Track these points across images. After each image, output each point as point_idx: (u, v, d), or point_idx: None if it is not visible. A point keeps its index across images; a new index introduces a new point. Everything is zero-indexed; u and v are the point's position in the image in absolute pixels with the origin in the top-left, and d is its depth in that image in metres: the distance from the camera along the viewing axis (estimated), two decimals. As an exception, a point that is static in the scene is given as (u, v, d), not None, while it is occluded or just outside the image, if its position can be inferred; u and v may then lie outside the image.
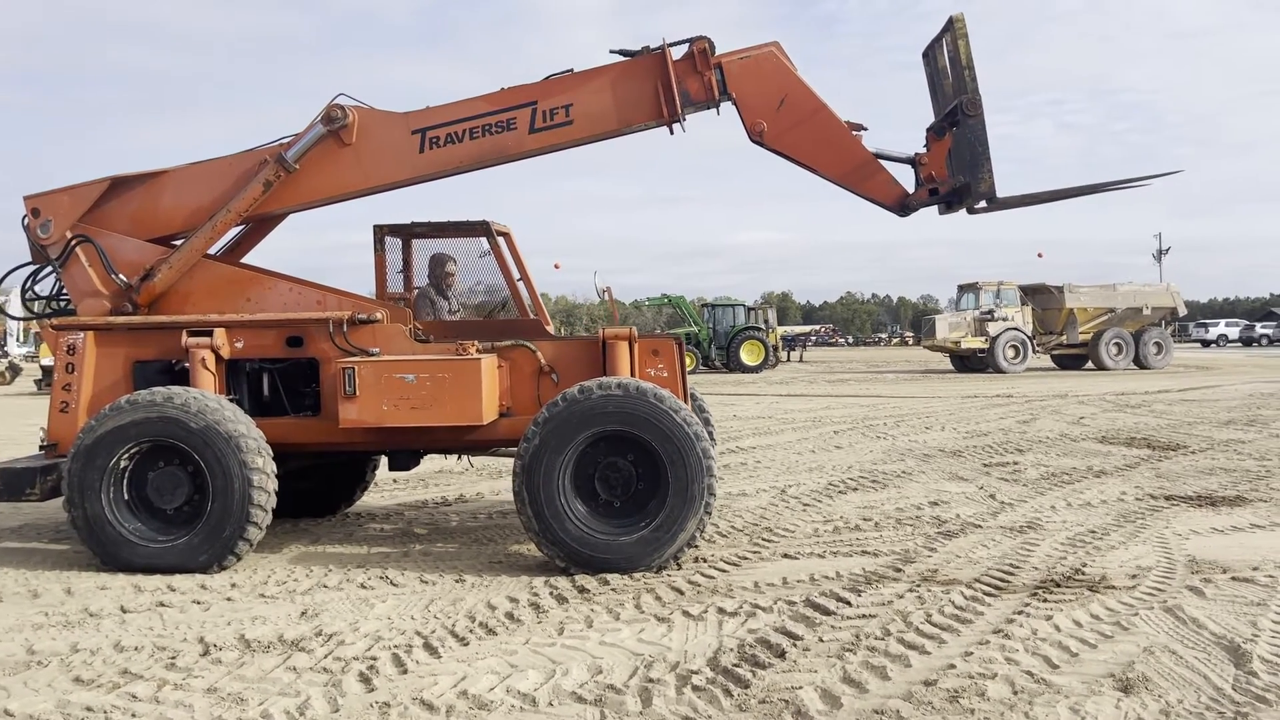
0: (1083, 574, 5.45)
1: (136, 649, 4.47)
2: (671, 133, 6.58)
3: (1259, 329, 62.32)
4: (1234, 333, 62.49)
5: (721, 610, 4.91)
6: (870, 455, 10.77)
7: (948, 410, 16.54)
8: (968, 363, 30.53)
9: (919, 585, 5.29)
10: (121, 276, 6.40)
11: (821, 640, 4.41)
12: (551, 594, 5.30)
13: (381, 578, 5.73)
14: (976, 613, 4.77)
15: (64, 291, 6.71)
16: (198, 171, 6.61)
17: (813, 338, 59.00)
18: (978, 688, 3.80)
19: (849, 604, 4.96)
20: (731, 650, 4.30)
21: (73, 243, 6.42)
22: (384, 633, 4.67)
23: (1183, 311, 32.71)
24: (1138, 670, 3.95)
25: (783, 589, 5.30)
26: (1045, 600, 4.95)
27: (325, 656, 4.34)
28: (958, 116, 6.50)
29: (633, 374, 6.24)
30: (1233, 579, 5.29)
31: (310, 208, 6.66)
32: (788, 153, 6.55)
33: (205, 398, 5.93)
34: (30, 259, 6.76)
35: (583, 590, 5.36)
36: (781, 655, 4.22)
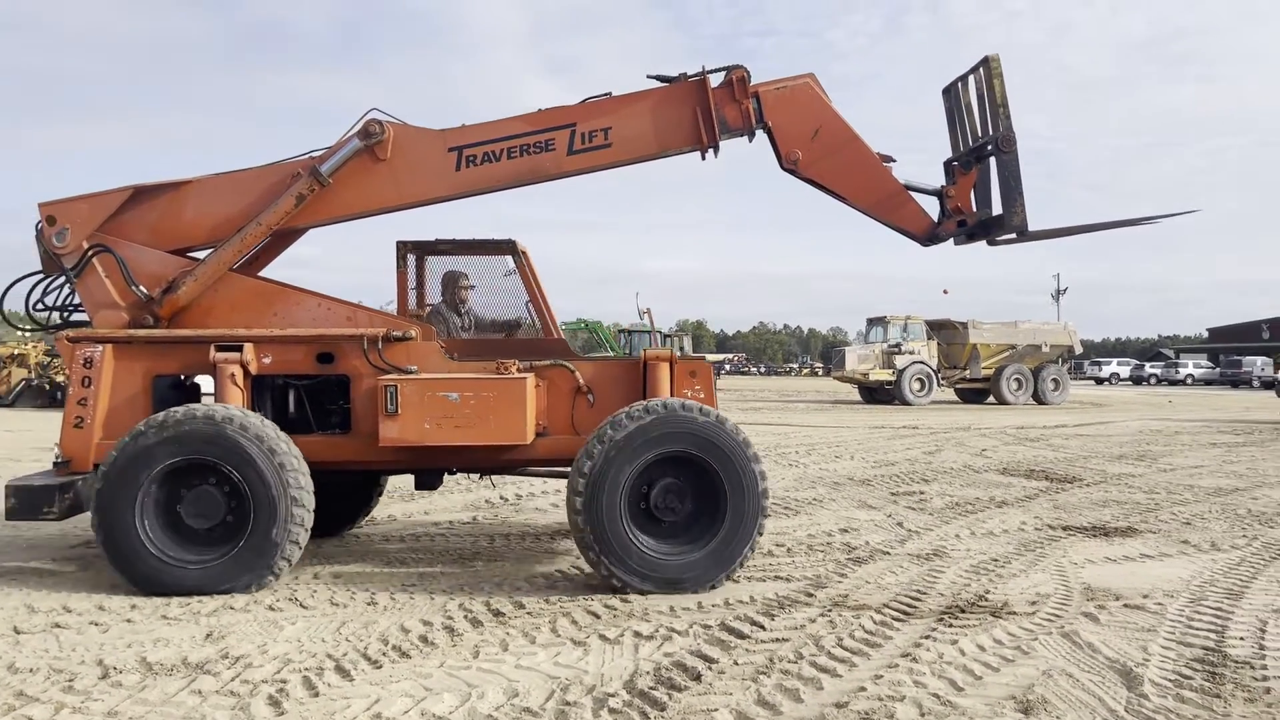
0: (986, 600, 5.63)
1: (31, 671, 4.29)
2: (703, 158, 6.66)
3: (1148, 368, 65.24)
4: (1125, 371, 65.30)
5: (638, 634, 4.93)
6: (782, 482, 10.93)
7: (856, 440, 16.90)
8: (875, 394, 31.25)
9: (831, 610, 5.40)
10: (141, 288, 6.18)
11: (736, 663, 4.46)
12: (466, 617, 5.25)
13: (290, 599, 5.60)
14: (886, 637, 4.89)
15: (73, 302, 6.45)
16: (222, 183, 6.43)
17: (726, 366, 59.64)
18: (887, 710, 3.90)
19: (763, 628, 5.03)
20: (648, 673, 4.32)
21: (90, 252, 6.19)
22: (294, 655, 4.56)
23: (1079, 350, 34.07)
24: (1037, 693, 4.10)
25: (698, 613, 5.35)
26: (951, 625, 5.10)
27: (232, 679, 4.22)
28: (985, 152, 6.76)
29: (671, 395, 6.33)
30: (1125, 606, 5.52)
31: (339, 222, 6.54)
32: (821, 181, 6.71)
33: (247, 415, 5.79)
34: (41, 268, 6.48)
35: (498, 614, 5.32)
36: (697, 678, 4.26)
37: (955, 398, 33.05)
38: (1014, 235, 6.77)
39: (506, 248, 6.85)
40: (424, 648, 4.72)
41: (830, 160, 6.66)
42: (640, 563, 5.75)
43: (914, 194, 6.87)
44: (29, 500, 5.76)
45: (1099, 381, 62.62)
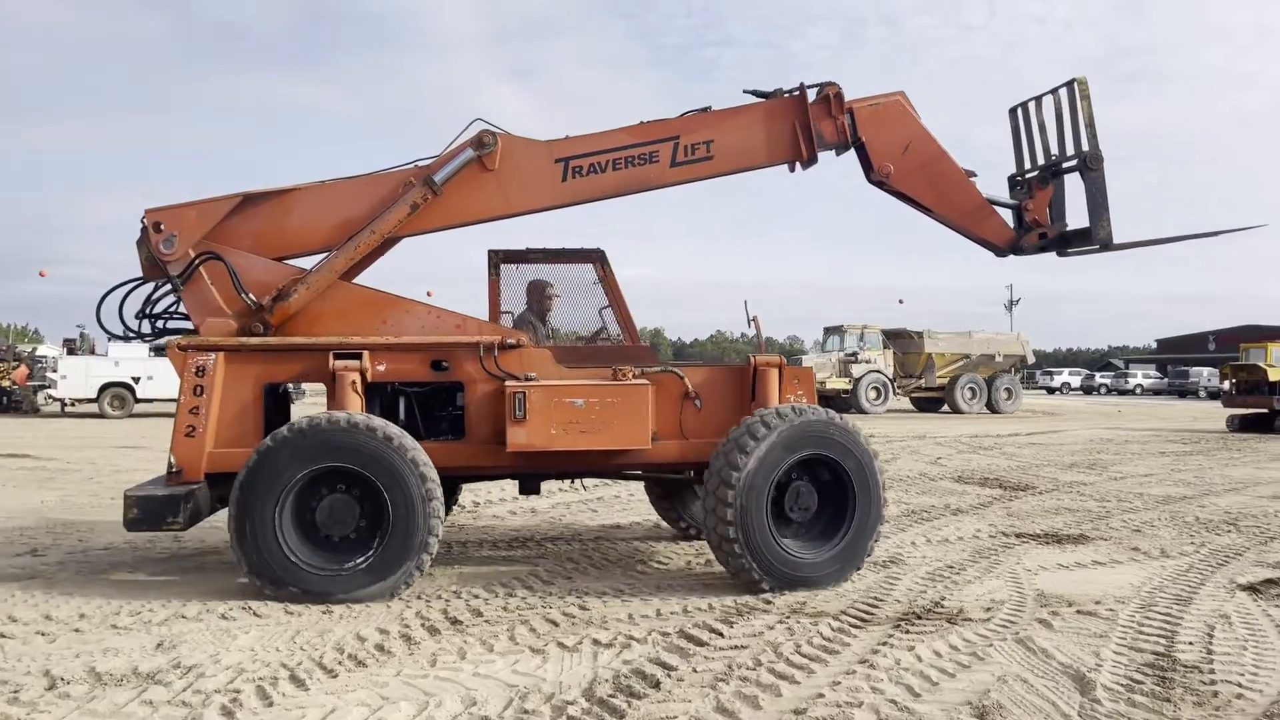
0: (942, 607, 5.69)
1: (-27, 683, 4.17)
2: (791, 170, 6.84)
3: (1098, 378, 66.42)
4: (1076, 381, 66.38)
5: (596, 641, 4.91)
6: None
7: (814, 448, 16.96)
8: (832, 403, 31.46)
9: (789, 617, 5.42)
10: (250, 296, 6.11)
11: (695, 671, 4.46)
12: (423, 625, 5.20)
13: (244, 608, 5.51)
14: (844, 644, 4.92)
15: (176, 309, 6.39)
16: (328, 191, 6.40)
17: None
18: (845, 716, 3.92)
19: (722, 635, 5.04)
20: (607, 681, 4.31)
21: (199, 260, 6.10)
22: (247, 665, 4.49)
23: (1031, 360, 34.62)
24: (993, 698, 4.14)
25: (657, 620, 5.35)
26: (908, 632, 5.14)
27: (184, 690, 4.14)
28: (1060, 168, 7.02)
29: (779, 400, 6.49)
30: (1078, 612, 5.60)
31: (445, 230, 6.53)
32: (911, 194, 6.94)
33: (388, 423, 5.79)
34: (142, 275, 6.37)
35: (455, 622, 5.28)
36: (656, 686, 4.25)
37: (911, 406, 33.42)
38: (1097, 247, 7.02)
39: (595, 256, 6.99)
40: (380, 656, 4.66)
41: (920, 174, 6.91)
42: (782, 563, 5.96)
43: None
44: (153, 511, 5.66)
45: (1051, 391, 63.59)
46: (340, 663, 4.55)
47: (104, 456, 14.63)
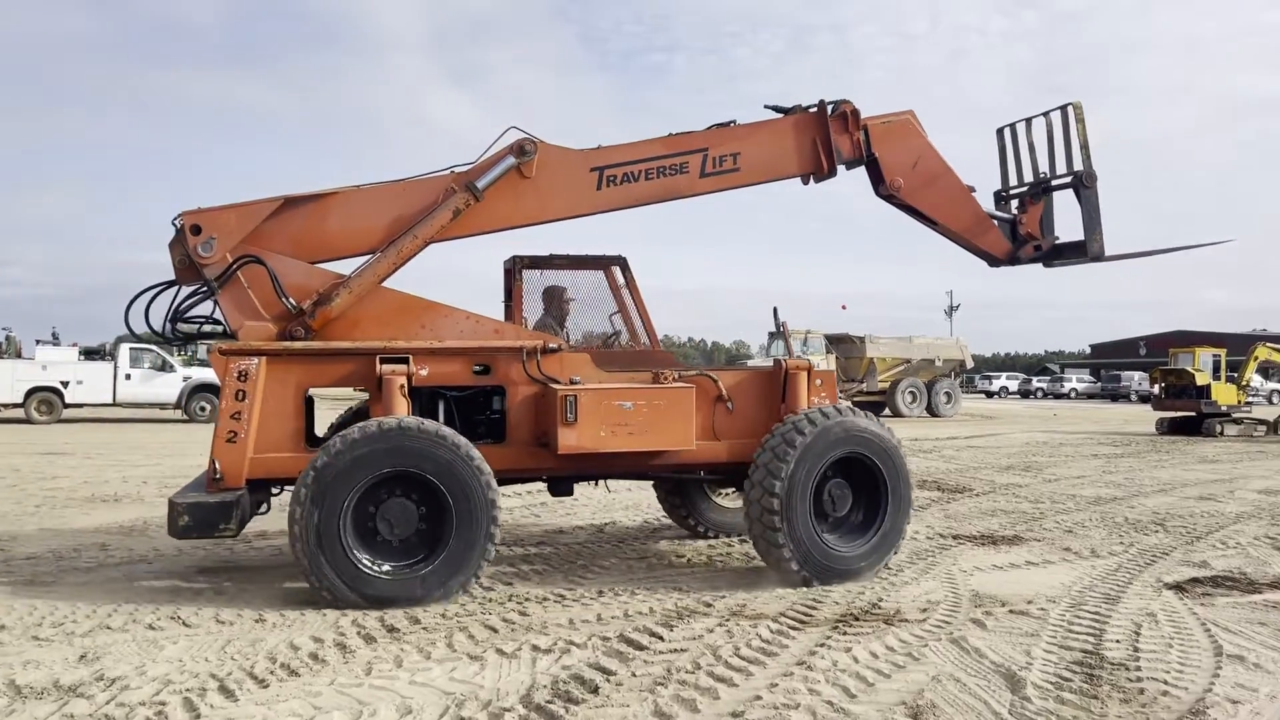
0: (879, 608, 5.75)
1: (-118, 699, 4.01)
2: (805, 184, 7.16)
3: (1035, 382, 67.80)
4: (1014, 385, 67.71)
5: (536, 647, 4.88)
6: (684, 494, 10.98)
7: (757, 452, 17.07)
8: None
9: (728, 620, 5.44)
10: (290, 300, 6.05)
11: (634, 675, 4.45)
12: (359, 633, 5.12)
13: (172, 617, 5.38)
14: (782, 645, 4.95)
15: (212, 314, 6.34)
16: (367, 196, 6.38)
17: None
18: (781, 718, 3.94)
19: (661, 639, 5.04)
20: (545, 687, 4.28)
21: (237, 263, 6.01)
22: (174, 676, 4.38)
23: (970, 364, 35.21)
24: (927, 698, 4.20)
25: (597, 625, 5.33)
26: (845, 633, 5.19)
27: (107, 703, 4.02)
28: (1050, 185, 7.47)
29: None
30: (1010, 612, 5.70)
31: (481, 235, 6.56)
32: (919, 207, 7.28)
33: (447, 428, 5.81)
34: (175, 278, 6.25)
35: (392, 629, 5.20)
36: (595, 691, 4.23)
37: (853, 410, 33.70)
38: (1087, 259, 7.45)
39: (618, 261, 7.17)
40: (314, 665, 4.58)
41: (928, 189, 7.27)
42: (824, 557, 6.27)
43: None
44: (204, 518, 5.60)
45: (989, 395, 64.76)
46: (272, 672, 4.46)
47: (29, 464, 14.19)
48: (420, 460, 5.65)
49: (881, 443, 6.50)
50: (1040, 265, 7.74)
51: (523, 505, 10.01)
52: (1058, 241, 7.62)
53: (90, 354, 25.37)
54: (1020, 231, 7.57)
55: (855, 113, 7.04)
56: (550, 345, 6.38)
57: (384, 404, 5.98)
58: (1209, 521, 9.37)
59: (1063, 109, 7.34)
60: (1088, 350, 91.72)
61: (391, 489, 5.73)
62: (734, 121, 6.90)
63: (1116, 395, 58.90)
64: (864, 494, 6.56)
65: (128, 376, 24.29)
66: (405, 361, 6.08)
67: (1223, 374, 24.67)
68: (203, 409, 24.82)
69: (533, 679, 4.40)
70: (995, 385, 66.79)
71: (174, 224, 6.11)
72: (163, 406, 24.99)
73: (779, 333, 7.42)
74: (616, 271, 7.19)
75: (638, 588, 6.26)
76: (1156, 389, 25.50)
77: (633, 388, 6.33)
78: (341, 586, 5.54)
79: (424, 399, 6.39)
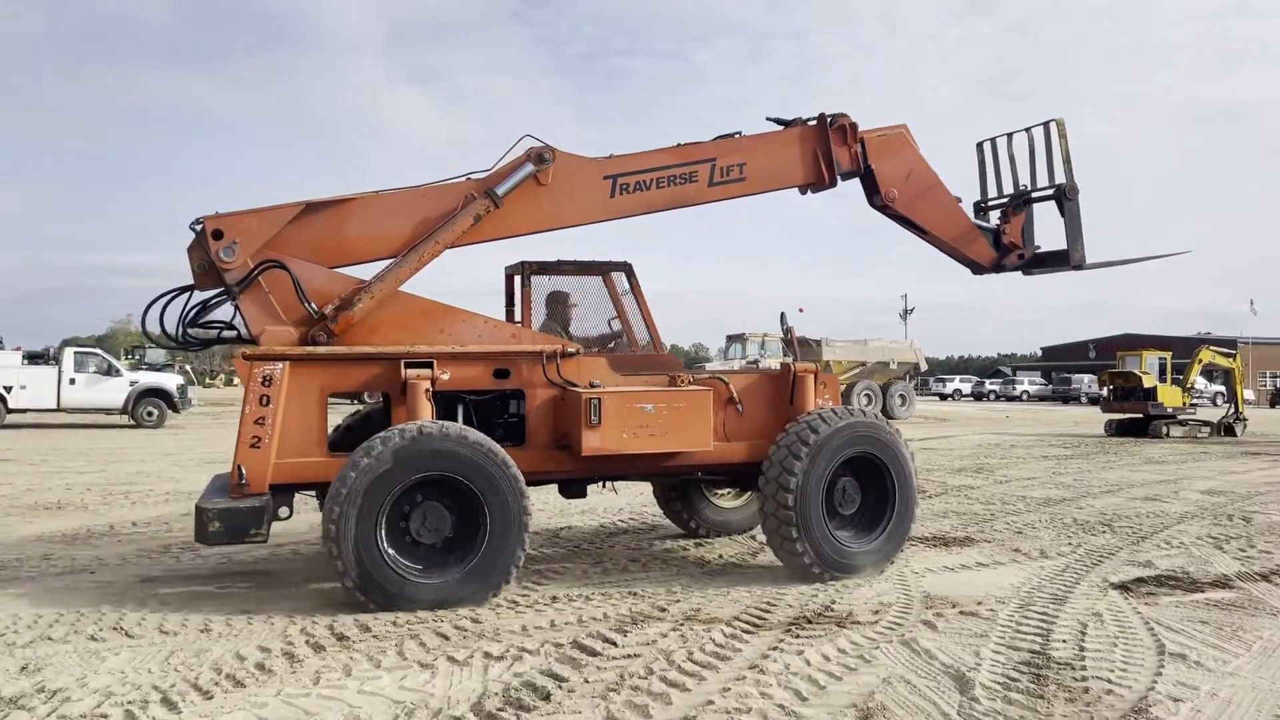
0: (832, 610, 5.78)
1: None
2: (803, 194, 7.42)
3: (988, 385, 68.82)
4: (967, 388, 68.64)
5: (488, 655, 4.84)
6: (641, 498, 10.97)
7: (714, 455, 17.11)
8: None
9: (682, 624, 5.43)
10: (313, 305, 6.06)
11: (587, 681, 4.43)
12: (308, 642, 5.04)
13: (116, 628, 5.26)
14: (735, 649, 4.95)
15: (232, 319, 6.30)
16: (386, 201, 6.40)
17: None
18: (734, 722, 3.94)
19: (615, 644, 5.02)
20: (496, 695, 4.25)
21: (259, 268, 6.01)
22: (116, 688, 4.28)
23: (924, 367, 35.64)
24: (877, 700, 4.22)
25: (550, 631, 5.30)
26: (798, 636, 5.21)
27: (48, 715, 3.93)
28: (1030, 196, 7.80)
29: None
30: (960, 613, 5.76)
31: (496, 240, 6.63)
32: (912, 218, 7.58)
33: (480, 433, 5.88)
34: (193, 283, 6.21)
35: (341, 638, 5.13)
36: (546, 698, 4.21)
37: (809, 413, 33.92)
38: (1071, 268, 7.79)
39: (623, 267, 7.28)
40: (260, 675, 4.50)
41: (921, 200, 7.58)
42: (836, 553, 6.50)
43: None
44: (236, 523, 5.57)
45: (943, 397, 65.54)
46: (217, 683, 4.38)
47: (-29, 470, 13.83)
48: (454, 464, 5.72)
49: (891, 443, 6.77)
50: (1020, 273, 8.04)
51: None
52: (1039, 250, 7.92)
53: (34, 358, 24.75)
54: (1004, 241, 7.87)
55: (854, 126, 7.28)
56: (569, 350, 6.49)
57: (409, 408, 6.03)
58: (1154, 522, 9.56)
59: (1045, 125, 7.63)
60: (1039, 353, 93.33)
61: (426, 494, 5.77)
62: (740, 133, 7.11)
63: (1067, 397, 59.95)
64: (871, 492, 6.79)
65: (72, 381, 23.74)
66: (429, 366, 6.12)
67: (1168, 377, 25.21)
68: (150, 414, 24.36)
69: (484, 686, 4.36)
70: (949, 388, 67.61)
71: (193, 228, 6.09)
72: (109, 412, 24.46)
73: (787, 338, 7.61)
74: (621, 277, 7.32)
75: (593, 593, 6.24)
76: (1105, 391, 25.99)
77: (654, 390, 6.49)
78: (378, 589, 5.56)
79: (442, 403, 6.43)
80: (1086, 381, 58.34)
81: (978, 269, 7.97)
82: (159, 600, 5.97)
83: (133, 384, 24.55)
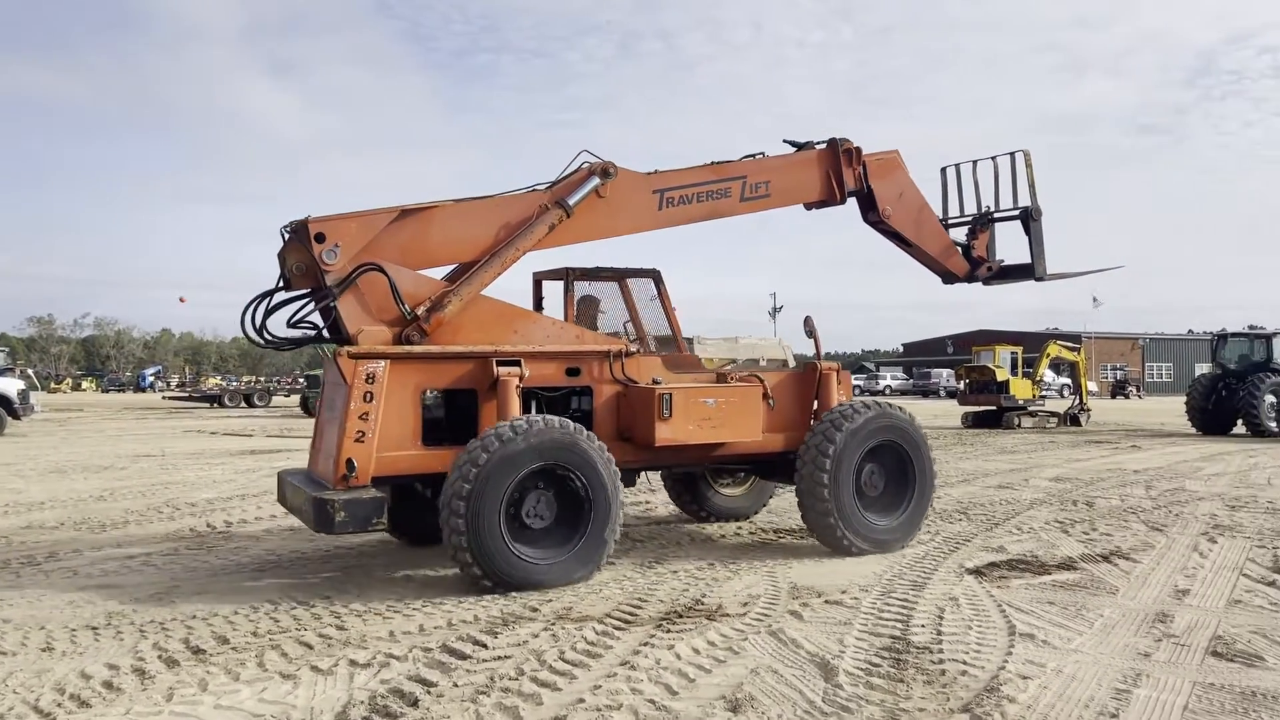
0: (703, 604, 5.86)
1: None
2: (808, 209, 8.26)
3: (853, 380, 70.73)
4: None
5: (353, 662, 4.72)
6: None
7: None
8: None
9: (554, 624, 5.41)
10: (406, 306, 6.35)
11: (456, 685, 4.37)
12: (161, 657, 4.81)
13: (-56, 651, 4.89)
14: (607, 646, 4.97)
15: (327, 320, 6.53)
16: (466, 209, 6.82)
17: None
18: (604, 719, 3.94)
19: (486, 647, 4.96)
20: (362, 703, 4.14)
21: (359, 270, 6.28)
22: (-56, 716, 3.99)
23: (793, 363, 36.35)
24: (745, 690, 4.30)
25: (419, 636, 5.20)
26: (669, 631, 5.26)
27: None
28: (993, 216, 8.80)
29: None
30: (826, 602, 5.93)
31: (560, 246, 7.08)
32: (903, 233, 8.48)
33: (581, 427, 6.36)
34: (289, 284, 6.52)
35: (198, 651, 4.91)
36: (414, 704, 4.12)
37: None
38: (1035, 279, 8.84)
39: (651, 274, 7.92)
40: (108, 695, 4.27)
41: (911, 218, 8.52)
42: (866, 530, 7.30)
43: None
44: (361, 513, 5.92)
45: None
46: (59, 705, 4.13)
47: None
48: (567, 455, 6.21)
49: (914, 432, 7.61)
50: (981, 284, 9.09)
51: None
52: (1004, 264, 8.94)
53: None
54: (973, 255, 8.88)
55: (858, 150, 8.15)
56: (631, 349, 7.07)
57: (500, 403, 6.48)
58: (1006, 509, 10.04)
59: (1011, 155, 8.60)
60: (901, 349, 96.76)
61: (534, 483, 6.21)
62: (763, 153, 7.89)
63: (927, 391, 62.37)
64: (893, 478, 7.57)
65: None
66: (518, 364, 6.58)
67: (1020, 370, 26.54)
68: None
69: (349, 695, 4.24)
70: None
71: (283, 233, 6.46)
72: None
73: (811, 339, 8.14)
74: (650, 282, 7.91)
75: (464, 595, 6.15)
76: (962, 385, 27.17)
77: (714, 386, 7.20)
78: (500, 571, 5.98)
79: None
80: (945, 376, 60.87)
81: (951, 279, 8.92)
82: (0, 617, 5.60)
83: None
